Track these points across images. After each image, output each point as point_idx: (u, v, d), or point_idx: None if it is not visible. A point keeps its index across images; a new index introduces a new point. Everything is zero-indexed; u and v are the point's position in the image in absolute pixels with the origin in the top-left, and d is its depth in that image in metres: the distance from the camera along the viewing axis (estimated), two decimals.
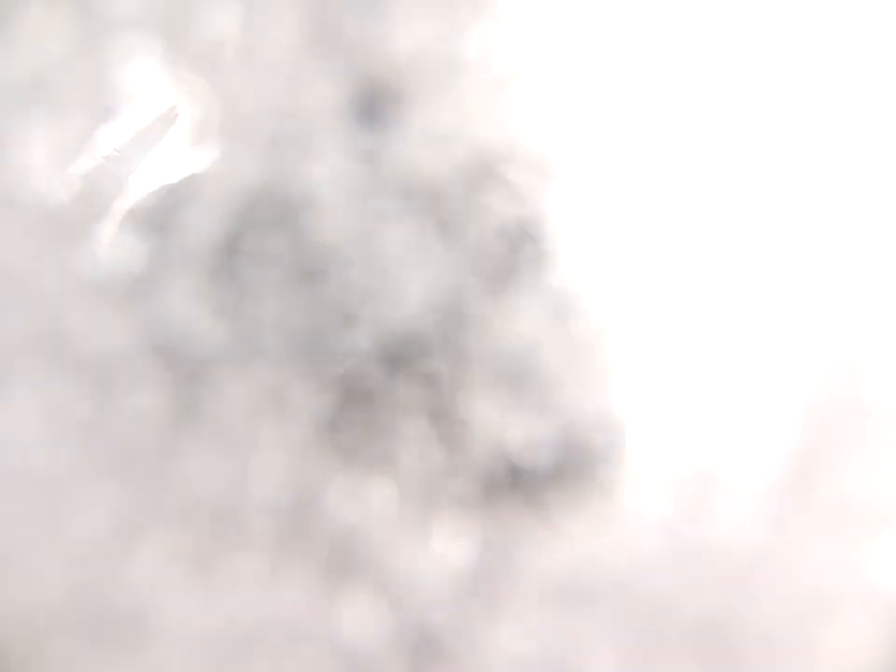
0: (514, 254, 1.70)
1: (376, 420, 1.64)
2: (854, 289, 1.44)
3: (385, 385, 1.60)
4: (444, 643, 1.37)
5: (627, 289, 1.62)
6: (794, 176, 1.53)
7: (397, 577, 1.41)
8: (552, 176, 1.65)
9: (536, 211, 1.68)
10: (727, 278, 1.55)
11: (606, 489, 1.55)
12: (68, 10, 1.47)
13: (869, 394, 1.37)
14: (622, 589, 1.37)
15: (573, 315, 1.62)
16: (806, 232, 1.50)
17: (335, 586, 1.37)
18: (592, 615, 1.36)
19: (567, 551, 1.46)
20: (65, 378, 1.37)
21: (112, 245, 1.63)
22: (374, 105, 1.60)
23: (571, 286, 1.62)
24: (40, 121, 1.47)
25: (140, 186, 1.70)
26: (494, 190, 1.67)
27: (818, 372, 1.42)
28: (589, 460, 1.61)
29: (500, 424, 1.55)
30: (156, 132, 1.70)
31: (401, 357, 1.59)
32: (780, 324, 1.47)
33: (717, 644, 1.32)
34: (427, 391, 1.57)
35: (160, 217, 1.61)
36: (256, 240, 1.62)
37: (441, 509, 1.54)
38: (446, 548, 1.49)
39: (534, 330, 1.63)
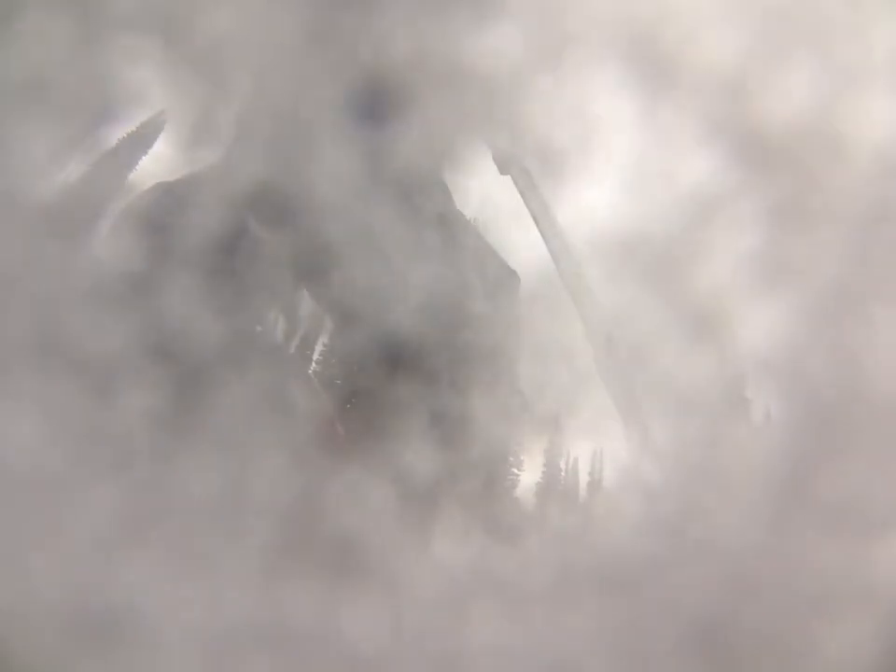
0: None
1: (376, 420, 1.64)
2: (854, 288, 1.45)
3: (386, 385, 1.60)
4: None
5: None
6: None
7: (396, 577, 1.41)
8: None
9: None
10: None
11: None
12: (68, 10, 1.47)
13: (869, 394, 1.37)
14: (622, 589, 1.37)
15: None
16: None
17: (335, 586, 1.37)
18: (592, 615, 1.36)
19: (566, 550, 1.46)
20: (64, 378, 1.37)
21: (111, 245, 1.63)
22: (374, 105, 1.60)
23: None
24: (40, 121, 1.46)
25: (139, 185, 1.70)
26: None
27: (818, 372, 1.42)
28: None
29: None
30: (155, 131, 1.70)
31: (402, 356, 1.59)
32: (780, 323, 1.48)
33: (717, 644, 1.32)
34: (428, 391, 1.57)
35: (159, 217, 1.61)
36: (255, 239, 1.62)
37: (440, 509, 1.54)
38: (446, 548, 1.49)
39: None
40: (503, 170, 1.74)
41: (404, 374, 1.60)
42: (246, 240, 1.62)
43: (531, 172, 1.74)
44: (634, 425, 1.59)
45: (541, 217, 1.70)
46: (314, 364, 1.85)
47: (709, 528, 1.38)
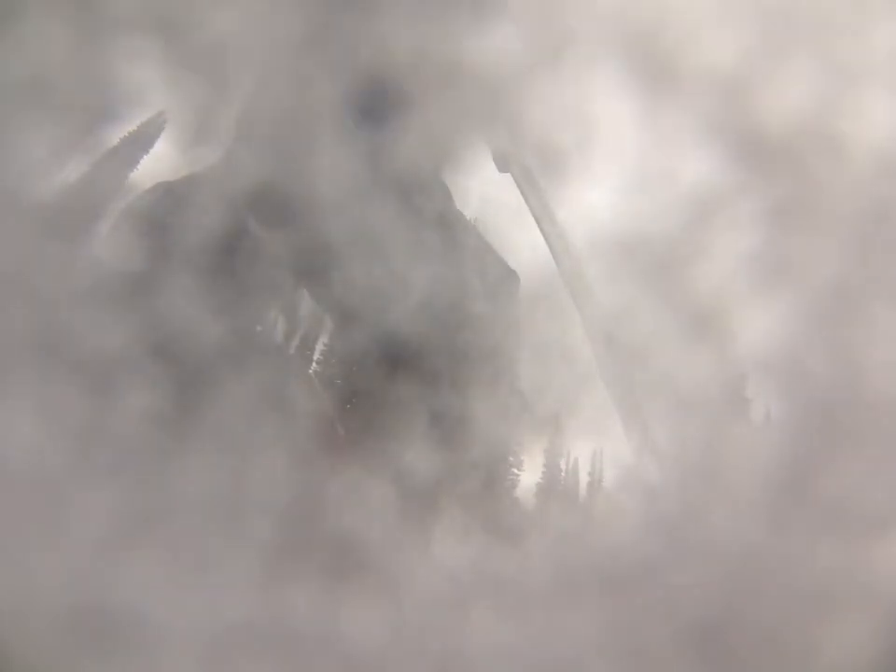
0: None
1: (376, 420, 1.64)
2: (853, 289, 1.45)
3: (386, 385, 1.60)
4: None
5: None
6: None
7: (396, 577, 1.41)
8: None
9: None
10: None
11: None
12: (68, 10, 1.47)
13: (869, 394, 1.37)
14: (622, 589, 1.37)
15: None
16: None
17: (335, 586, 1.37)
18: (592, 615, 1.36)
19: (566, 550, 1.46)
20: (64, 378, 1.37)
21: (111, 245, 1.63)
22: (374, 105, 1.60)
23: None
24: (40, 121, 1.46)
25: (139, 185, 1.71)
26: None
27: (818, 372, 1.42)
28: None
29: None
30: (155, 131, 1.70)
31: (401, 356, 1.59)
32: (780, 323, 1.48)
33: (717, 644, 1.32)
34: (428, 391, 1.57)
35: (159, 217, 1.61)
36: (255, 239, 1.62)
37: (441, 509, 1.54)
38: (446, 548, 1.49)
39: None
40: (503, 168, 1.74)
41: (404, 374, 1.59)
42: (246, 240, 1.62)
43: (532, 170, 1.74)
44: (634, 425, 1.59)
45: (542, 217, 1.70)
46: (314, 364, 1.85)
47: (709, 528, 1.38)
